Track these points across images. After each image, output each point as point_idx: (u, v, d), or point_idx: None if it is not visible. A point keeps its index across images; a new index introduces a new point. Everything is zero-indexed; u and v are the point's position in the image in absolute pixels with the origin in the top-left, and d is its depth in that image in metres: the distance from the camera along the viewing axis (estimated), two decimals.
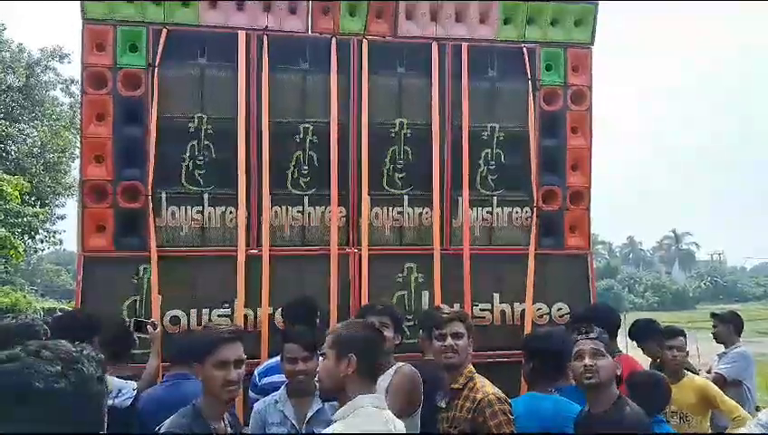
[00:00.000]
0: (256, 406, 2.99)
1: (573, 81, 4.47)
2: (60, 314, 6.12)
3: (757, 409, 4.62)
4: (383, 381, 2.87)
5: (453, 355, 2.71)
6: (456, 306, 4.12)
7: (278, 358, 3.26)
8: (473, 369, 2.76)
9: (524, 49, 4.41)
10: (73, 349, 1.16)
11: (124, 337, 3.59)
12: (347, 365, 2.18)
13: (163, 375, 3.41)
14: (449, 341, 2.71)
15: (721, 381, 4.37)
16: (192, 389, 2.74)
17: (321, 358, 2.32)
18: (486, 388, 2.63)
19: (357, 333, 2.28)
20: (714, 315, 5.04)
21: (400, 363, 3.02)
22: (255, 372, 3.32)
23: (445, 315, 2.82)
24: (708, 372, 4.73)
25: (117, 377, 3.20)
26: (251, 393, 3.29)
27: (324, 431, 2.17)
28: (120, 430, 2.85)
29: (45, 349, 1.13)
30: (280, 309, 3.82)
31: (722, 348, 4.81)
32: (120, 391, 3.13)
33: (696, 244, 72.73)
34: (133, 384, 3.21)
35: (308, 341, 2.89)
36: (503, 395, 2.63)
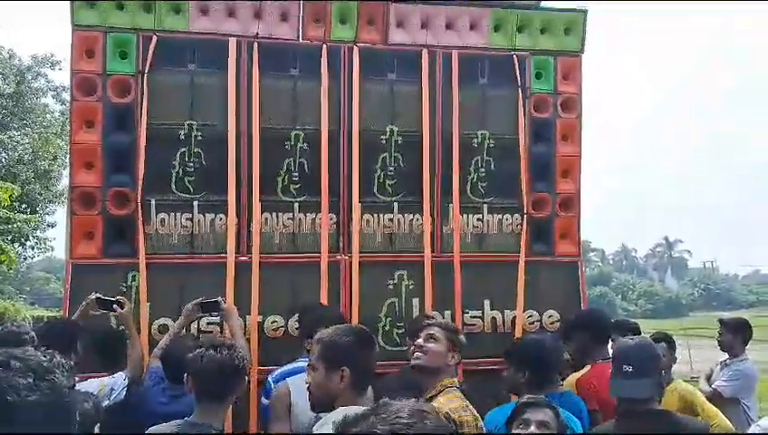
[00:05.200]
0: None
1: (563, 88, 4.48)
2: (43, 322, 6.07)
3: None
4: None
5: (420, 355, 2.57)
6: (447, 314, 4.12)
7: (293, 365, 3.19)
8: (450, 384, 2.59)
9: (514, 57, 4.43)
10: (43, 358, 1.13)
11: (116, 343, 3.55)
12: (340, 379, 2.02)
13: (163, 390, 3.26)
14: (419, 341, 2.59)
15: (718, 398, 4.24)
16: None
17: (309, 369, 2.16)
18: (442, 405, 2.34)
19: (349, 344, 2.08)
20: (722, 322, 4.77)
21: None
22: (269, 379, 3.26)
23: (426, 322, 2.77)
24: (708, 378, 4.65)
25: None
26: (263, 401, 3.23)
27: None
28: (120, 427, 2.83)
29: (15, 359, 1.09)
30: (297, 316, 3.66)
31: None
32: (111, 389, 3.08)
33: (689, 251, 73.20)
34: (122, 375, 3.15)
35: None
36: (460, 413, 2.41)
